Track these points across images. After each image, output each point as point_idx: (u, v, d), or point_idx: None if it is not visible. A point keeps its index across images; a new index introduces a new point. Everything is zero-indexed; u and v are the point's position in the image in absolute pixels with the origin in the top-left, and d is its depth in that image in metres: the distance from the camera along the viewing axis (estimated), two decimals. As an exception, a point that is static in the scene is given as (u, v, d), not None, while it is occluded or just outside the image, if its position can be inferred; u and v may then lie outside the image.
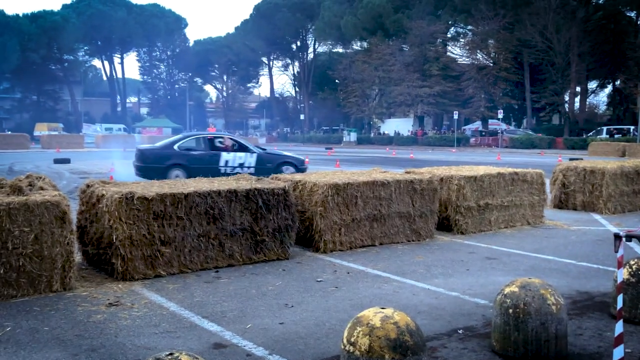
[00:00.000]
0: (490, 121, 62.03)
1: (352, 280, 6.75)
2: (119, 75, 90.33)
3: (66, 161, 27.14)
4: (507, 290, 4.61)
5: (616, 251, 4.18)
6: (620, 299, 4.16)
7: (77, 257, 6.80)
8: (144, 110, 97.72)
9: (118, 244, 6.41)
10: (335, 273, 7.08)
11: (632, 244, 7.87)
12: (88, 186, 7.26)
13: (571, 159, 18.63)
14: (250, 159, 16.53)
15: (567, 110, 57.88)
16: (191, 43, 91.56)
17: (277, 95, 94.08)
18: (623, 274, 5.01)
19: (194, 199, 6.92)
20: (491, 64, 59.29)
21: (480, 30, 58.82)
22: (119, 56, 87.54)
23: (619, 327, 4.08)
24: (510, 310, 4.48)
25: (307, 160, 18.86)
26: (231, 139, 17.45)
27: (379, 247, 8.58)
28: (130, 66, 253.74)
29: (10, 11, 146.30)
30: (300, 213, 8.20)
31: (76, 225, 6.99)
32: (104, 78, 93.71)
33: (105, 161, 26.52)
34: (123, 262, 6.48)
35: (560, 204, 12.93)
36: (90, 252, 7.04)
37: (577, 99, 60.66)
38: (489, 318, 5.09)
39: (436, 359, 4.52)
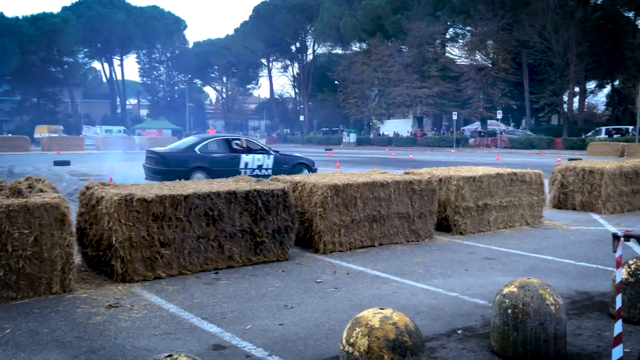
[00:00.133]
0: (489, 122, 62.04)
1: (351, 281, 6.76)
2: (119, 77, 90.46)
3: (66, 163, 27.14)
4: (505, 290, 4.62)
5: (614, 251, 4.19)
6: (619, 298, 4.17)
7: (77, 259, 6.81)
8: (143, 112, 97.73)
9: (117, 246, 6.42)
10: (335, 274, 7.08)
11: (631, 244, 7.87)
12: (87, 188, 7.27)
13: (570, 159, 18.65)
14: (267, 161, 16.60)
15: (565, 110, 57.91)
16: (191, 45, 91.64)
17: (276, 97, 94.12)
18: (622, 274, 5.02)
19: (194, 200, 6.93)
20: (490, 65, 59.34)
21: (479, 31, 58.86)
22: (119, 58, 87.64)
23: (618, 326, 4.09)
24: (509, 311, 4.49)
25: None
26: (248, 140, 17.44)
27: (378, 247, 8.59)
28: (129, 68, 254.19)
29: (9, 14, 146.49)
30: (300, 214, 8.21)
31: (76, 227, 6.99)
32: (104, 80, 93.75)
33: (105, 163, 26.53)
34: (122, 263, 6.48)
35: (559, 204, 12.94)
36: (90, 254, 7.05)
37: (576, 99, 60.71)
38: (488, 318, 5.10)
39: (435, 359, 4.53)
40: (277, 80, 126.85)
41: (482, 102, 58.78)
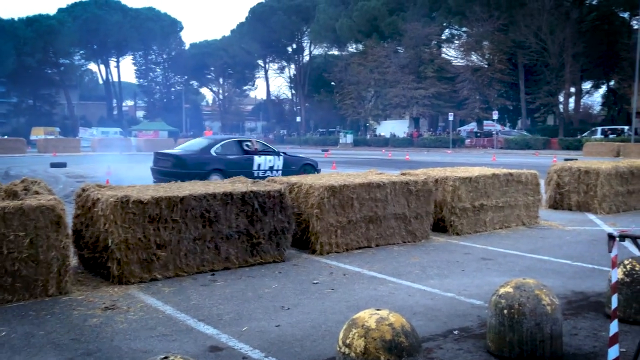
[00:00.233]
0: (485, 122, 62.18)
1: (348, 282, 6.76)
2: (115, 78, 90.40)
3: (62, 165, 27.08)
4: (501, 290, 4.63)
5: (610, 251, 4.19)
6: (614, 298, 4.18)
7: (73, 261, 6.81)
8: (140, 114, 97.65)
9: (114, 248, 6.41)
10: (332, 275, 7.09)
11: (627, 244, 7.89)
12: (84, 190, 7.25)
13: (566, 160, 18.68)
14: (278, 162, 16.67)
15: (561, 111, 58.04)
16: (187, 46, 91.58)
17: (273, 98, 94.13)
18: (617, 274, 5.04)
19: (190, 202, 6.92)
20: (486, 66, 59.44)
21: (474, 32, 58.97)
22: (115, 60, 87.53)
23: (614, 326, 4.09)
24: (505, 311, 4.50)
25: None
26: (258, 142, 17.47)
27: (375, 248, 8.60)
28: (126, 70, 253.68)
29: (5, 15, 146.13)
30: (297, 215, 8.20)
31: (72, 229, 6.98)
32: (100, 82, 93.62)
33: (102, 164, 26.48)
34: (119, 265, 6.48)
35: (555, 204, 12.97)
36: (86, 255, 7.04)
37: (572, 100, 60.85)
38: (485, 319, 5.11)
39: (432, 359, 4.54)
40: (274, 82, 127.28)
41: (478, 102, 58.88)
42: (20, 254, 5.80)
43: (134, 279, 6.55)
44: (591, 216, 12.02)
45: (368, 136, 70.95)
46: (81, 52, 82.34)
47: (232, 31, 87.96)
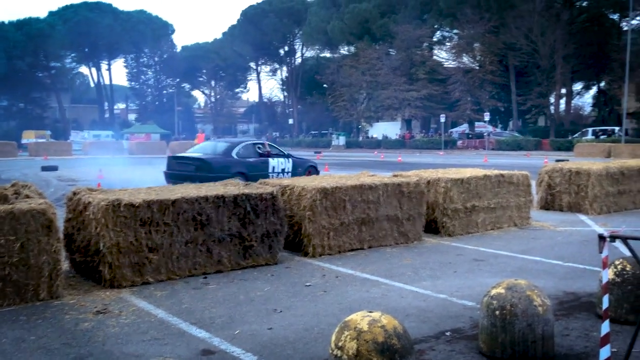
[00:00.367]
0: (477, 124, 62.36)
1: (340, 284, 6.76)
2: (107, 81, 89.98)
3: (54, 168, 26.94)
4: (493, 292, 4.64)
5: (600, 252, 4.21)
6: (605, 299, 4.20)
7: (64, 265, 6.77)
8: (132, 117, 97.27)
9: (105, 252, 6.39)
10: (324, 277, 7.08)
11: (617, 244, 7.93)
12: (75, 194, 7.22)
13: (557, 160, 18.77)
14: (288, 164, 16.77)
15: (552, 112, 58.32)
16: (179, 49, 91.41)
17: (265, 100, 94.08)
18: (608, 274, 5.07)
19: (182, 205, 6.91)
20: (477, 67, 59.64)
21: (465, 34, 59.16)
22: (106, 63, 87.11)
23: (605, 327, 4.11)
24: (497, 312, 4.51)
25: None
26: (270, 145, 17.50)
27: (367, 250, 8.60)
28: (117, 72, 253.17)
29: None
30: (289, 218, 8.20)
31: (63, 233, 6.95)
32: (92, 85, 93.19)
33: (93, 168, 26.37)
34: (110, 269, 6.45)
35: (547, 205, 13.02)
36: (78, 259, 7.01)
37: (563, 101, 61.22)
38: (477, 320, 5.12)
39: (424, 361, 4.54)
40: (266, 84, 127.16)
41: (469, 104, 59.05)
42: (10, 258, 5.77)
43: (126, 282, 6.52)
44: (582, 217, 12.07)
45: (360, 138, 71.05)
46: (72, 55, 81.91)
47: (224, 34, 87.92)
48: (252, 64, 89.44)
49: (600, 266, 4.28)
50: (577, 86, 65.77)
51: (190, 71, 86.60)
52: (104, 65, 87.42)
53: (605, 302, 4.18)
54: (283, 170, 16.46)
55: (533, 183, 11.79)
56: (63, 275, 6.28)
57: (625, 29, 52.91)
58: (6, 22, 72.92)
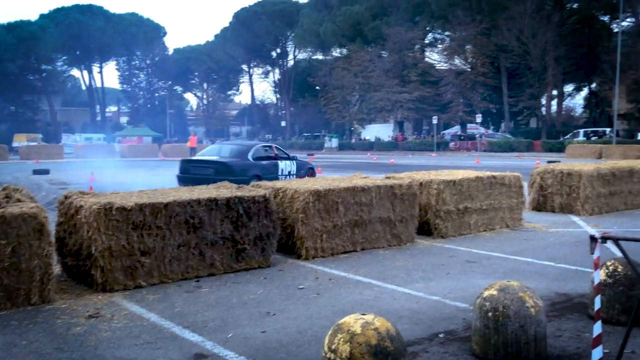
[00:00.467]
0: (469, 125, 62.59)
1: (333, 287, 6.76)
2: (98, 84, 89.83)
3: (45, 172, 26.80)
4: (486, 293, 4.65)
5: (592, 253, 4.23)
6: (597, 300, 4.22)
7: (56, 269, 6.74)
8: (123, 120, 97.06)
9: (97, 255, 6.36)
10: (317, 280, 7.08)
11: (609, 245, 7.97)
12: (66, 197, 7.19)
13: (549, 162, 18.83)
14: (293, 167, 16.85)
15: (544, 113, 58.63)
16: (171, 51, 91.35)
17: (258, 103, 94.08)
18: (600, 275, 5.09)
19: (174, 208, 6.89)
20: (469, 69, 59.90)
21: (457, 36, 59.40)
22: (98, 65, 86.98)
23: (597, 328, 4.13)
24: (490, 314, 4.52)
25: None
26: (277, 147, 17.53)
27: (360, 252, 8.60)
28: (109, 75, 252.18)
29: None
30: (282, 220, 8.19)
31: (55, 237, 6.91)
32: (83, 87, 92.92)
33: (85, 171, 26.27)
34: (102, 273, 6.42)
35: (539, 206, 13.06)
36: (70, 263, 6.97)
37: (554, 102, 61.52)
38: (469, 321, 5.13)
39: (417, 363, 4.55)
40: (258, 86, 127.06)
41: (461, 106, 59.27)
42: (1, 262, 5.73)
43: (118, 286, 6.50)
44: (574, 218, 12.12)
45: (353, 140, 71.16)
46: (64, 58, 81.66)
47: (216, 36, 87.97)
48: (245, 67, 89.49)
49: (592, 267, 4.30)
50: (568, 88, 66.19)
51: (182, 74, 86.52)
52: (95, 68, 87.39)
53: (597, 303, 4.20)
54: (289, 172, 16.53)
55: (525, 184, 11.82)
56: (55, 280, 6.25)
57: (615, 30, 53.28)
58: (-3, 25, 72.64)
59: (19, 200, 6.48)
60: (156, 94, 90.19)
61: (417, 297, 6.33)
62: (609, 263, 5.55)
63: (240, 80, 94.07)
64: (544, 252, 8.74)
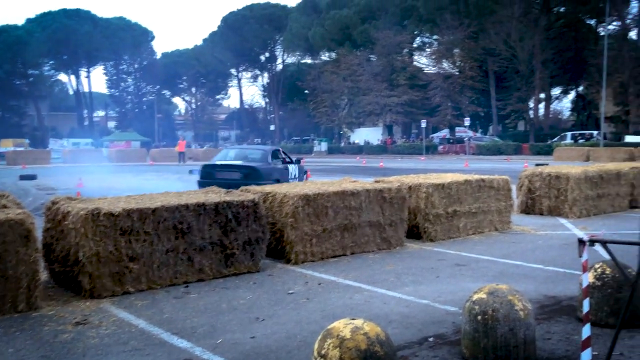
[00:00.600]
0: (457, 129, 62.85)
1: (323, 291, 6.74)
2: (86, 89, 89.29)
3: (32, 177, 26.58)
4: (475, 297, 4.66)
5: (580, 256, 4.24)
6: (586, 302, 4.24)
7: (43, 275, 6.67)
8: (111, 124, 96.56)
9: (85, 261, 6.30)
10: (307, 284, 7.06)
11: (597, 247, 8.02)
12: (54, 203, 7.13)
13: (537, 165, 18.96)
14: (297, 170, 16.93)
15: (532, 116, 59.01)
16: (159, 56, 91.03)
17: (246, 107, 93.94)
18: (588, 278, 5.10)
19: (162, 213, 6.85)
20: (457, 73, 60.19)
21: (445, 40, 59.75)
22: (86, 70, 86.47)
23: (586, 330, 4.15)
24: (479, 317, 4.52)
25: None
26: (283, 152, 17.58)
27: (350, 256, 8.60)
28: (97, 80, 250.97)
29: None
30: (271, 225, 8.17)
31: (42, 243, 6.84)
32: (71, 92, 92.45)
33: (73, 176, 26.09)
34: (90, 279, 6.37)
35: (527, 209, 13.12)
36: (57, 270, 6.91)
37: (542, 106, 61.85)
38: (459, 325, 5.13)
39: (407, 367, 4.54)
40: (247, 90, 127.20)
41: (450, 109, 59.54)
42: (-13, 269, 5.67)
43: (106, 292, 6.44)
44: (562, 220, 12.18)
45: (342, 144, 71.22)
46: (51, 62, 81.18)
47: (205, 40, 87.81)
48: (233, 71, 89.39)
49: (581, 270, 4.32)
50: (556, 91, 66.71)
51: (170, 78, 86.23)
52: (83, 73, 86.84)
53: (586, 306, 4.22)
54: (295, 176, 16.61)
55: (513, 187, 11.87)
56: (42, 286, 6.19)
57: (602, 34, 53.76)
58: (-18, 30, 72.13)
59: (5, 207, 6.42)
60: (144, 99, 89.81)
61: (407, 301, 6.33)
62: (597, 266, 5.57)
63: (229, 85, 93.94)
64: (532, 254, 8.77)
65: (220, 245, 7.33)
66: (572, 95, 66.51)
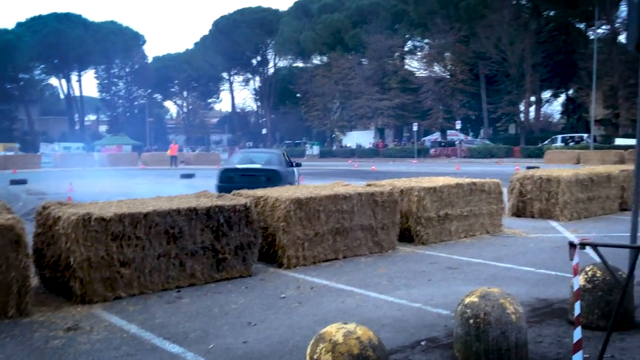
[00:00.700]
0: (448, 132, 63.08)
1: (315, 296, 6.74)
2: (77, 93, 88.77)
3: (23, 182, 26.41)
4: (467, 300, 4.67)
5: (571, 259, 4.27)
6: (577, 305, 4.26)
7: (34, 281, 6.63)
8: (103, 128, 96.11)
9: (76, 267, 6.27)
10: (299, 289, 7.05)
11: (588, 250, 8.05)
12: (44, 208, 7.09)
13: (528, 168, 19.03)
14: (297, 173, 16.95)
15: (522, 119, 59.28)
16: (150, 59, 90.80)
17: (238, 110, 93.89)
18: (579, 281, 5.13)
19: (153, 218, 6.82)
20: (448, 76, 60.40)
21: (436, 44, 59.95)
22: (77, 74, 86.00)
23: (577, 333, 4.17)
24: (471, 321, 4.53)
25: None
26: (286, 154, 17.69)
27: (342, 260, 8.60)
28: (88, 84, 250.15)
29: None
30: (263, 229, 8.16)
31: (32, 248, 6.81)
32: (62, 96, 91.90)
33: (64, 181, 25.96)
34: (81, 284, 6.33)
35: (518, 212, 13.17)
36: (48, 275, 6.87)
37: (532, 109, 62.24)
38: (451, 328, 5.14)
39: (400, 371, 4.54)
40: (239, 94, 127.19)
41: (441, 112, 59.71)
42: (-23, 275, 5.63)
43: (97, 298, 6.41)
44: (553, 223, 12.24)
45: (334, 147, 71.29)
46: (42, 66, 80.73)
47: (196, 44, 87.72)
48: (225, 74, 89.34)
49: (572, 273, 4.34)
50: (546, 94, 67.03)
51: (162, 82, 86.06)
52: (74, 77, 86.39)
53: (577, 309, 4.24)
54: (297, 179, 16.72)
55: (504, 190, 11.92)
56: (32, 292, 6.15)
57: (591, 37, 54.09)
58: (-27, 33, 71.74)
59: (-5, 212, 6.38)
60: (135, 102, 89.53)
61: (399, 305, 6.33)
62: (588, 268, 5.60)
63: (221, 88, 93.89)
64: (524, 257, 8.81)
65: (212, 249, 7.32)
66: (562, 98, 66.91)
